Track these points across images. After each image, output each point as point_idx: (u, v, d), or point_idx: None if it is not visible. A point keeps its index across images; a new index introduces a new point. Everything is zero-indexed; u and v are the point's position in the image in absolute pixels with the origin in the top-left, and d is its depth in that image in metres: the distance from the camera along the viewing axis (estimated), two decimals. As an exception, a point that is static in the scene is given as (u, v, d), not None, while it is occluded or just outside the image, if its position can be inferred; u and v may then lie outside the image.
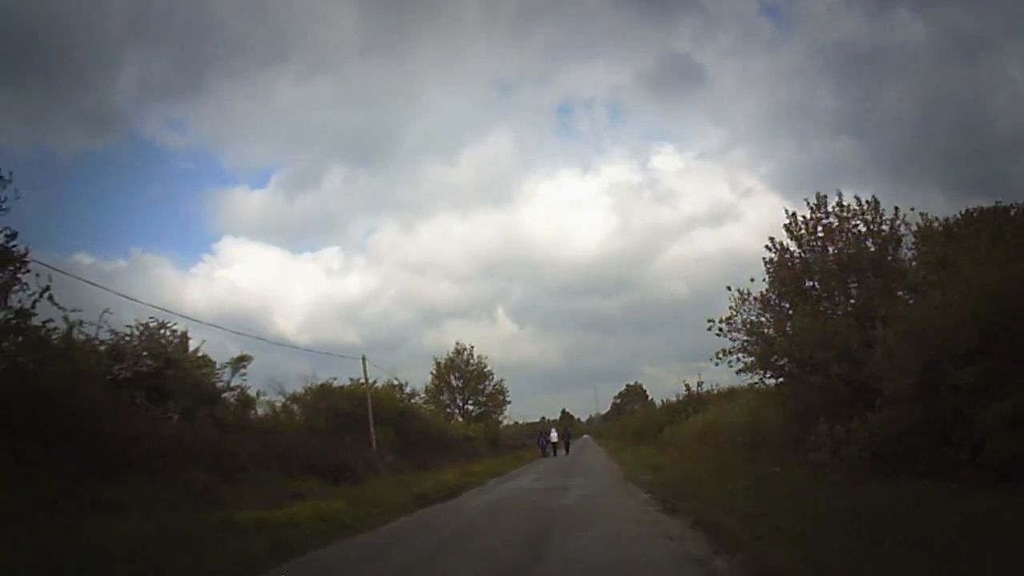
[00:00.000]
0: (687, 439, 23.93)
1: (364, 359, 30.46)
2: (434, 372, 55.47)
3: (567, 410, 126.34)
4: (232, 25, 73.77)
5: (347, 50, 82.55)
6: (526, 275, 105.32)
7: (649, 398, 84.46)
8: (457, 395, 55.86)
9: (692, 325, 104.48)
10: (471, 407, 56.28)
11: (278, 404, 27.27)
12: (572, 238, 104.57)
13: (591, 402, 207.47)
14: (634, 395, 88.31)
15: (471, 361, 55.90)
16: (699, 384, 30.70)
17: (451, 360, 55.74)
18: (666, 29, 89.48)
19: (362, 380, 30.64)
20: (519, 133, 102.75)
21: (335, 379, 30.18)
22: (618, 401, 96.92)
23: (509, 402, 57.22)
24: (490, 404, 55.77)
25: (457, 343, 56.80)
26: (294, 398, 29.01)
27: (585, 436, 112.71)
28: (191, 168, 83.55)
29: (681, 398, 32.57)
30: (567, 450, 44.62)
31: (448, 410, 55.59)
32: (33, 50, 48.97)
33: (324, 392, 29.47)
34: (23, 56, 46.18)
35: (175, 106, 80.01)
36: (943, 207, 71.36)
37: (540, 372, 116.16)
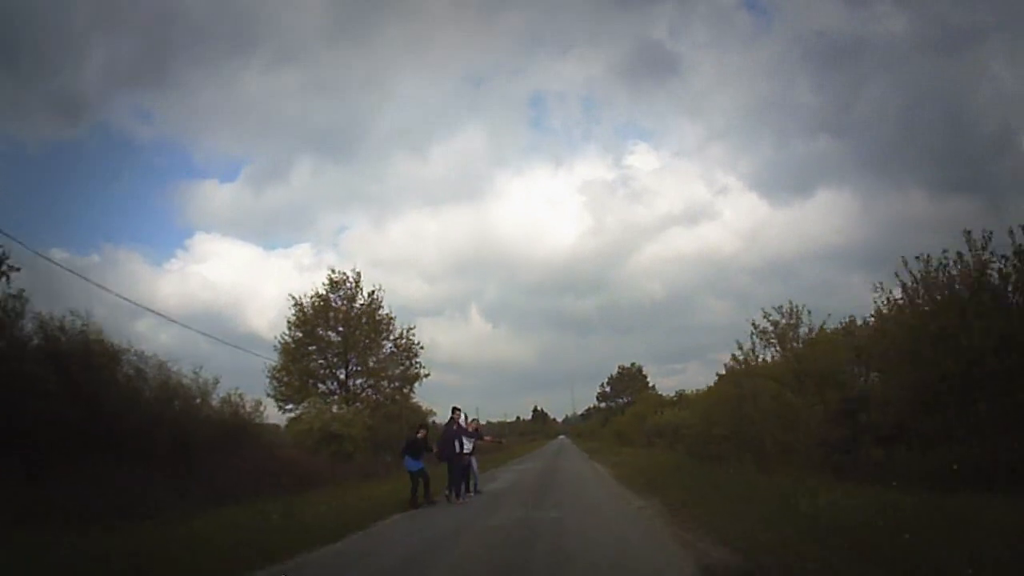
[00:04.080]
0: None
1: None
2: (293, 320, 30.97)
3: (540, 407, 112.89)
4: (198, 11, 67.99)
5: (314, 39, 76.50)
6: (500, 274, 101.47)
7: (651, 385, 61.23)
8: (335, 359, 31.28)
9: (669, 327, 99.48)
10: (360, 382, 31.81)
11: None
12: (546, 236, 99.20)
13: (567, 402, 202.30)
14: (631, 381, 64.22)
15: (357, 299, 31.33)
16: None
17: (322, 300, 31.08)
18: (641, 19, 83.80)
19: None
20: (491, 127, 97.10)
21: None
22: (606, 390, 71.62)
23: (426, 373, 32.41)
24: (388, 374, 31.02)
25: (332, 270, 32.02)
26: None
27: (561, 437, 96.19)
28: (161, 160, 78.46)
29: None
30: (457, 492, 15.93)
31: (320, 385, 31.17)
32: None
33: None
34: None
35: (143, 96, 73.64)
36: (926, 206, 68.35)
37: (515, 372, 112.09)
